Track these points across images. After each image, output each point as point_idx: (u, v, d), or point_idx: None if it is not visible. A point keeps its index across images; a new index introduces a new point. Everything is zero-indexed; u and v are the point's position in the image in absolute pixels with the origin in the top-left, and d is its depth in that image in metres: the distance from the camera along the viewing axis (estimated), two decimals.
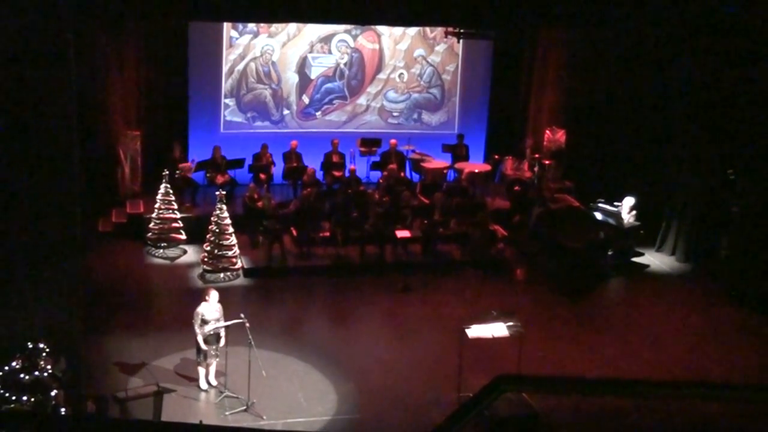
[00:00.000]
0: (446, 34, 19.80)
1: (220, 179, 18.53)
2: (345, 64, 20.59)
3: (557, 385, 11.25)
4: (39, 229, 11.38)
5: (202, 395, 12.70)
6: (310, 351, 13.99)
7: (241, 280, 16.53)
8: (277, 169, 19.42)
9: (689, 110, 18.18)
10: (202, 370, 12.75)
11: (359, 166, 19.75)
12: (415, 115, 21.30)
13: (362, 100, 20.88)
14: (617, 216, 17.94)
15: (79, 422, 9.27)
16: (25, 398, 10.69)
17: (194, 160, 18.77)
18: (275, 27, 19.90)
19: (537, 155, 20.36)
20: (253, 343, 12.17)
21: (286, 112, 20.49)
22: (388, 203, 17.87)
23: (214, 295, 12.66)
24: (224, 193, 16.55)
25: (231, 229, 16.35)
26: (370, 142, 20.23)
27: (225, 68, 19.87)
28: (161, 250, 17.32)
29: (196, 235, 17.13)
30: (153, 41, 19.00)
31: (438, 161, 20.25)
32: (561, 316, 15.72)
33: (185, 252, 17.44)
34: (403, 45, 20.83)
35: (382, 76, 20.87)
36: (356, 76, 20.72)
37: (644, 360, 14.23)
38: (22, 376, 10.81)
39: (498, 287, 16.67)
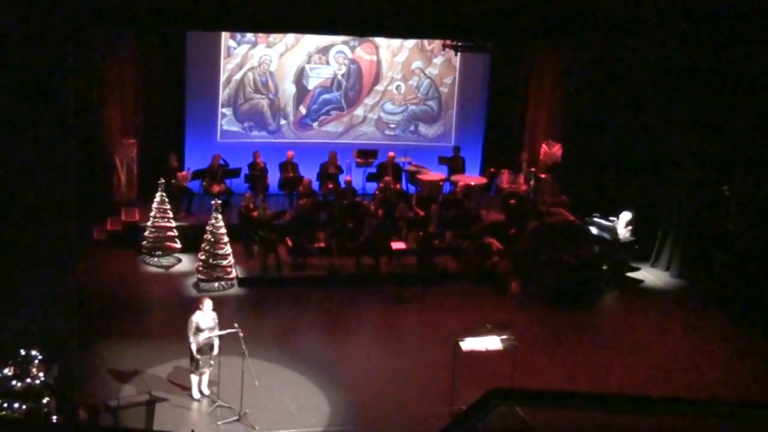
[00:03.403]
0: (444, 46, 19.84)
1: (215, 188, 18.53)
2: (342, 75, 20.62)
3: (551, 399, 11.24)
4: (34, 236, 11.37)
5: (195, 404, 12.66)
6: (303, 362, 13.97)
7: (235, 290, 16.51)
8: (273, 179, 19.42)
9: (685, 126, 18.22)
10: (195, 379, 12.72)
11: (355, 178, 19.75)
12: (412, 127, 21.33)
13: (359, 112, 20.91)
14: (612, 230, 17.96)
15: (71, 430, 9.25)
16: (16, 406, 10.64)
17: (190, 169, 18.76)
18: (273, 37, 19.94)
19: (533, 169, 20.40)
20: (246, 352, 12.14)
21: (283, 122, 20.50)
22: (383, 215, 17.87)
23: (208, 304, 12.64)
24: (220, 202, 16.55)
25: (226, 239, 16.34)
26: (366, 154, 20.24)
27: (222, 77, 19.89)
28: (156, 259, 17.30)
29: (191, 244, 17.13)
30: (151, 49, 19.01)
31: (434, 173, 20.26)
32: (555, 329, 15.72)
33: (180, 261, 17.43)
34: (401, 57, 20.88)
35: (379, 87, 20.90)
36: (353, 87, 20.75)
37: (638, 375, 14.23)
38: (14, 383, 10.77)
39: (492, 300, 16.66)
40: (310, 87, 20.50)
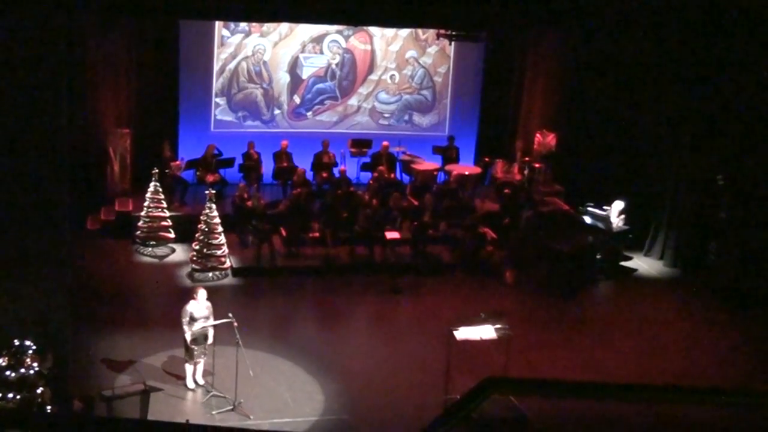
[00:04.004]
0: (438, 35, 19.80)
1: (209, 178, 18.50)
2: (336, 65, 20.58)
3: (545, 388, 11.25)
4: (27, 227, 11.34)
5: (189, 394, 12.67)
6: (297, 351, 13.98)
7: (229, 280, 16.50)
8: (267, 169, 19.39)
9: (679, 115, 18.23)
10: (189, 369, 12.72)
11: (349, 167, 19.74)
12: (406, 117, 21.31)
13: (353, 101, 20.88)
14: (606, 220, 17.99)
15: (66, 421, 9.24)
16: (10, 396, 10.64)
17: (184, 159, 18.73)
18: (267, 26, 19.88)
19: (527, 158, 20.40)
20: (240, 342, 12.15)
21: (277, 111, 20.46)
22: (377, 205, 17.88)
23: (202, 294, 12.64)
24: (214, 192, 16.53)
25: (220, 229, 16.32)
26: (360, 143, 20.22)
27: (216, 67, 19.83)
28: (150, 249, 17.28)
29: (185, 234, 17.09)
30: (144, 39, 18.95)
31: (428, 163, 20.25)
32: (549, 319, 15.75)
33: (174, 251, 17.41)
34: (395, 46, 20.84)
35: (373, 77, 20.87)
36: (348, 76, 20.71)
37: (632, 363, 14.27)
38: (8, 373, 10.76)
39: (486, 290, 16.68)
40: (304, 76, 20.45)
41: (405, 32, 20.73)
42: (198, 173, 18.75)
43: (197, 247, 16.31)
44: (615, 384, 12.40)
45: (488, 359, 13.09)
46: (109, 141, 18.45)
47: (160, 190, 17.18)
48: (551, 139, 20.58)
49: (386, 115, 21.17)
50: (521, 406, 12.43)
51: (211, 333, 12.64)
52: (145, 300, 15.75)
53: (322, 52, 20.45)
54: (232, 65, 19.92)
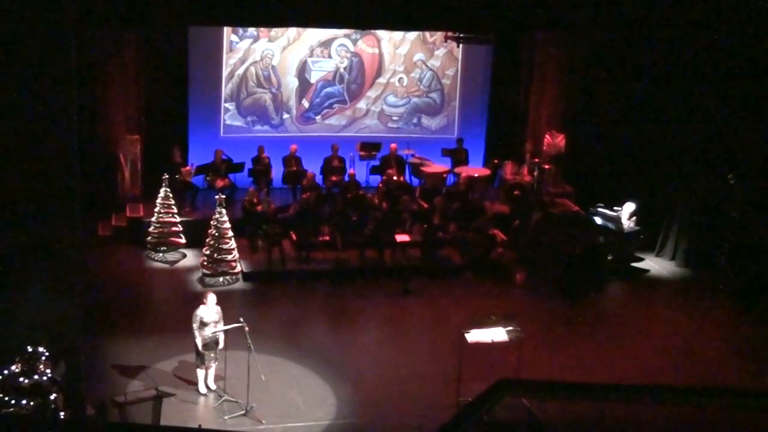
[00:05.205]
0: (446, 38, 19.80)
1: (219, 183, 18.54)
2: (345, 69, 20.60)
3: (556, 390, 11.25)
4: (38, 233, 11.38)
5: (201, 399, 12.70)
6: (309, 355, 14.00)
7: (240, 284, 16.53)
8: (277, 173, 19.43)
9: (689, 115, 18.19)
10: (201, 374, 12.75)
11: (359, 171, 19.75)
12: (415, 120, 21.31)
13: (362, 105, 20.89)
14: (617, 221, 17.95)
15: (79, 426, 9.27)
16: (24, 402, 10.67)
17: (194, 164, 18.78)
18: (275, 31, 19.92)
19: (536, 160, 20.37)
20: (252, 347, 12.17)
21: (285, 116, 20.50)
22: (387, 208, 17.88)
23: (211, 298, 12.67)
24: (224, 197, 16.58)
25: (230, 233, 16.36)
26: (369, 147, 20.23)
27: (225, 72, 19.88)
28: (161, 254, 17.32)
29: (195, 239, 17.14)
30: (153, 45, 19.03)
31: (437, 165, 20.24)
32: (561, 321, 15.72)
33: (185, 256, 17.45)
34: (403, 49, 20.85)
35: (381, 80, 20.88)
36: (356, 80, 20.73)
37: (644, 364, 14.23)
38: (21, 380, 10.79)
39: (497, 292, 16.67)
40: (313, 81, 20.48)
41: (412, 35, 20.74)
42: (208, 178, 18.80)
43: (208, 252, 16.35)
44: (626, 385, 12.42)
45: (500, 361, 13.08)
46: (120, 147, 18.51)
47: (171, 195, 17.23)
48: (560, 140, 20.56)
49: (395, 118, 21.18)
50: (533, 408, 12.42)
51: (222, 338, 12.67)
52: (157, 305, 15.78)
53: (330, 56, 20.48)
54: (240, 70, 19.96)
